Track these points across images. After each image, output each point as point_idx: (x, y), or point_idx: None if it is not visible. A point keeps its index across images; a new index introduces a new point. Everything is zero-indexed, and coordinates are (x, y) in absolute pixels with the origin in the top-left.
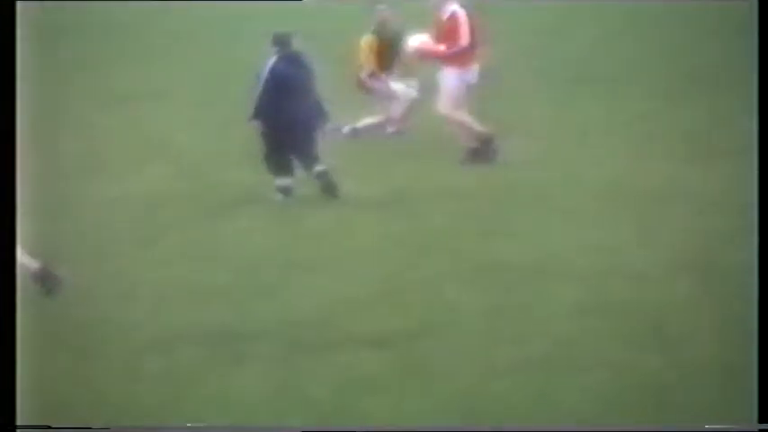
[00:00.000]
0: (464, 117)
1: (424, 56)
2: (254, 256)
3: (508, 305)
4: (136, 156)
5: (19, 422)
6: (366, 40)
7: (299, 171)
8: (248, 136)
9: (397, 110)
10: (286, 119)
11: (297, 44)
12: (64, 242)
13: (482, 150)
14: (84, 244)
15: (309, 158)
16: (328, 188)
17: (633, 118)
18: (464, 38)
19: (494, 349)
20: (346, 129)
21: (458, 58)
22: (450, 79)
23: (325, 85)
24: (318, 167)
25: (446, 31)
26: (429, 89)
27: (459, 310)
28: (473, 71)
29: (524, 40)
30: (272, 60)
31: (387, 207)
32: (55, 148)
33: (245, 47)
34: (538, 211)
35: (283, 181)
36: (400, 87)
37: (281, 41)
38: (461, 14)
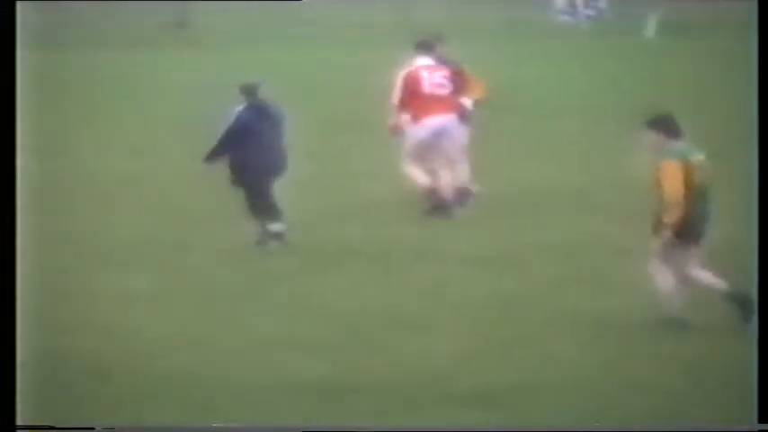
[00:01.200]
0: (411, 173)
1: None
2: (359, 311)
3: (613, 360)
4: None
5: (19, 422)
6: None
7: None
8: (352, 187)
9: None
10: (247, 165)
11: (264, 94)
12: (170, 292)
13: (439, 207)
14: (193, 293)
15: (266, 212)
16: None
17: None
18: (394, 97)
19: (599, 404)
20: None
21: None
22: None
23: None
24: (276, 227)
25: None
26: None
27: (565, 365)
28: (423, 126)
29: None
30: (238, 108)
31: (493, 263)
32: (165, 199)
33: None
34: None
35: (276, 226)
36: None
37: (248, 91)
38: (400, 74)
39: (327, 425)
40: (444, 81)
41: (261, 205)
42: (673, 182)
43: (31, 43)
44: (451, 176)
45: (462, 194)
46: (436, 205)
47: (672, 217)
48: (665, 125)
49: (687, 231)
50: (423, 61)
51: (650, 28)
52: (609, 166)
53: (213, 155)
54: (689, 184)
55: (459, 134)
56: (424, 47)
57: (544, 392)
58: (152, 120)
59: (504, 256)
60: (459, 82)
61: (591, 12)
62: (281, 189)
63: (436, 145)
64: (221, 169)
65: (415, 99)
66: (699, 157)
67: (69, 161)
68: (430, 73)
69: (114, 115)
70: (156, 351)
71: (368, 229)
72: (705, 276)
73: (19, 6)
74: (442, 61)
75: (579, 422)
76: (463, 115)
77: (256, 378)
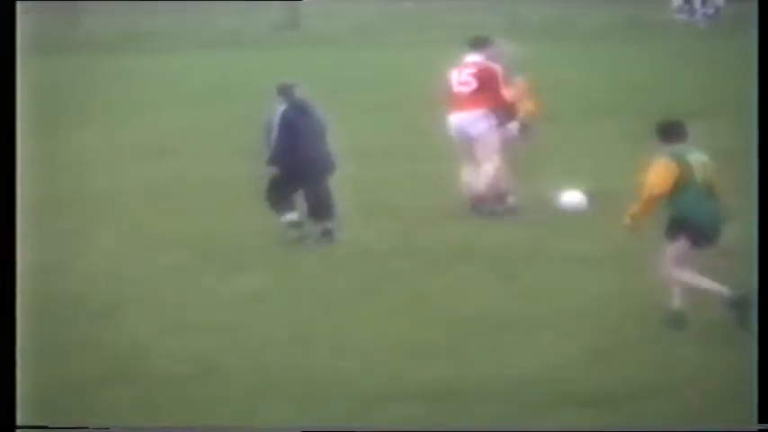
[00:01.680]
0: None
1: None
2: (471, 314)
3: (725, 364)
4: (354, 210)
5: (19, 422)
6: None
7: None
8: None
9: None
10: (300, 163)
11: (300, 94)
12: (284, 293)
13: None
14: (306, 294)
15: (321, 209)
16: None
17: None
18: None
19: (712, 411)
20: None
21: None
22: None
23: None
24: (327, 225)
25: None
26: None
27: (679, 370)
28: (449, 124)
29: None
30: (281, 108)
31: (603, 263)
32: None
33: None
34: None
35: (291, 215)
36: None
37: (285, 91)
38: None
39: (328, 425)
40: (469, 78)
41: (315, 203)
42: (651, 176)
43: (112, 47)
44: (485, 176)
45: (497, 197)
46: (473, 205)
47: (638, 208)
48: (661, 130)
49: (680, 230)
50: (471, 58)
51: None
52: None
53: (275, 156)
54: (681, 185)
55: (485, 131)
56: (473, 44)
57: (659, 395)
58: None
59: (614, 257)
60: (486, 79)
61: (708, 10)
62: (382, 192)
63: (462, 141)
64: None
65: (447, 97)
66: (701, 158)
67: (174, 162)
68: (460, 71)
69: (218, 116)
70: (262, 352)
71: (481, 231)
72: (703, 281)
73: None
74: (491, 59)
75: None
76: (500, 114)
77: (365, 378)
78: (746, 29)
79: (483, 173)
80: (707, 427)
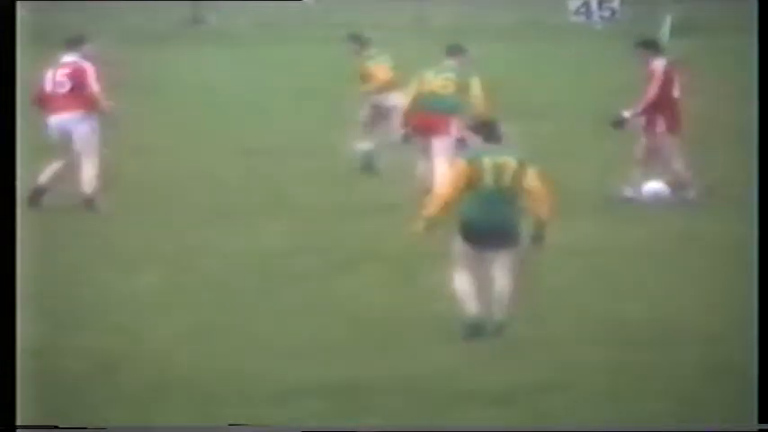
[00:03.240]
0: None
1: None
2: (371, 312)
3: (632, 364)
4: (255, 209)
5: (19, 422)
6: None
7: None
8: (368, 189)
9: None
10: None
11: None
12: (184, 291)
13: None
14: (205, 294)
15: None
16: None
17: None
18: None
19: (617, 409)
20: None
21: None
22: None
23: None
24: None
25: None
26: None
27: (584, 368)
28: (48, 125)
29: None
30: None
31: None
32: (179, 199)
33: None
34: (663, 270)
35: None
36: None
37: None
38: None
39: (328, 425)
40: (64, 79)
41: None
42: (445, 179)
43: (49, 41)
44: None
45: None
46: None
47: (430, 209)
48: (472, 129)
49: (460, 230)
50: (66, 58)
51: (665, 30)
52: (617, 168)
53: None
54: (470, 187)
55: (84, 131)
56: (70, 43)
57: (559, 393)
58: (167, 117)
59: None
60: (80, 78)
61: (605, 13)
62: (285, 190)
63: (65, 143)
64: (237, 170)
65: (41, 99)
66: (502, 160)
67: None
68: (54, 72)
69: (129, 112)
70: (163, 351)
71: (381, 229)
72: (501, 283)
73: (31, 4)
74: (87, 58)
75: (595, 423)
76: (90, 111)
77: (270, 379)
78: (642, 30)
79: (85, 171)
80: (707, 427)
